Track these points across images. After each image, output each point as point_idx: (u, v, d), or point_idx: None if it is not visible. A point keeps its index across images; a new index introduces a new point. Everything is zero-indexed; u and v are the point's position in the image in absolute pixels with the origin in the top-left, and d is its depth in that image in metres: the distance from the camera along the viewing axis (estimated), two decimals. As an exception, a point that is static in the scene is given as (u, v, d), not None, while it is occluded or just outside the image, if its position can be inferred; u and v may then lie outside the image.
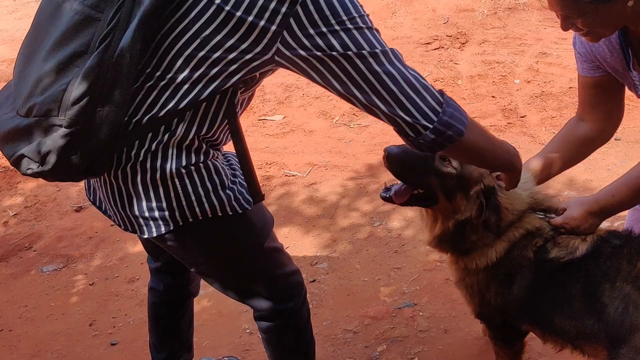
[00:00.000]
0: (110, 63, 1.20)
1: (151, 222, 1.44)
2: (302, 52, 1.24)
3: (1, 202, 3.68)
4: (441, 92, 1.33)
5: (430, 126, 1.28)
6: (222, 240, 1.54)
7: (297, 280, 1.75)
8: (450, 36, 5.15)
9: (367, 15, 1.28)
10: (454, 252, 1.87)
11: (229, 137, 1.48)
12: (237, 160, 1.53)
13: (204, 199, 1.43)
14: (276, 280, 1.69)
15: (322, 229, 3.21)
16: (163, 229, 1.45)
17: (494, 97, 4.31)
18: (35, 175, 1.31)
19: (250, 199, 1.51)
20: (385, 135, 3.96)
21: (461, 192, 1.73)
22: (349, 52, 1.23)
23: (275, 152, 3.97)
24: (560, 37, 4.97)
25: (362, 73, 1.24)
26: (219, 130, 1.42)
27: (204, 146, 1.41)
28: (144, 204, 1.42)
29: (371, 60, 1.24)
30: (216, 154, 1.46)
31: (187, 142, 1.36)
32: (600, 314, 1.62)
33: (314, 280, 2.82)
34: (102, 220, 3.39)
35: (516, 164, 1.55)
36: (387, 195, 1.82)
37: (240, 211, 1.48)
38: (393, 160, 1.74)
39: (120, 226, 1.53)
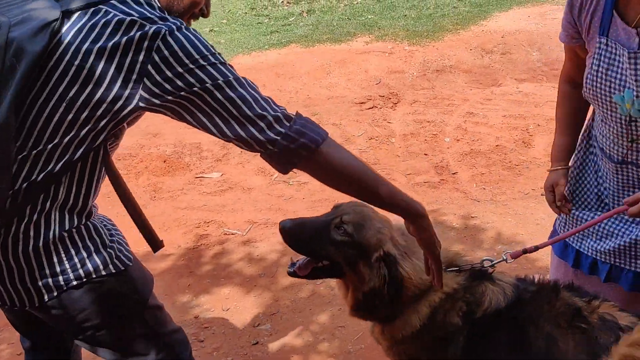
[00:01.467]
0: None
1: (33, 292, 1.42)
2: (165, 96, 1.32)
3: None
4: (296, 113, 1.42)
5: (283, 131, 1.35)
6: (107, 299, 1.52)
7: (181, 337, 1.74)
8: (383, 96, 5.34)
9: (218, 53, 1.36)
10: (375, 320, 1.78)
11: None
12: (109, 219, 1.59)
13: (86, 260, 1.43)
14: (162, 339, 1.67)
15: (263, 288, 3.16)
16: (46, 297, 1.43)
17: (426, 154, 4.47)
18: None
19: (130, 255, 1.54)
20: (324, 192, 4.00)
21: (363, 261, 1.64)
22: (206, 85, 1.31)
23: (214, 210, 3.92)
24: (485, 98, 5.27)
25: (220, 101, 1.32)
26: (98, 189, 1.47)
27: (86, 207, 1.44)
28: (26, 274, 1.40)
29: (226, 87, 1.32)
30: (94, 214, 1.50)
31: (70, 204, 1.39)
32: (527, 354, 1.62)
33: (256, 343, 2.75)
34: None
35: (415, 206, 1.48)
36: (292, 270, 1.72)
37: (122, 268, 1.50)
38: (287, 234, 1.67)
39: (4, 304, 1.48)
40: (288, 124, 1.35)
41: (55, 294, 1.43)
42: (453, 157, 4.41)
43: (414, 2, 7.47)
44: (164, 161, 4.53)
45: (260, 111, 1.34)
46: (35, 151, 1.31)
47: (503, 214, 3.62)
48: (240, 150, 4.60)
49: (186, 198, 4.11)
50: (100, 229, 1.49)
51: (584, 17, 1.68)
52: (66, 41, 1.30)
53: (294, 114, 1.40)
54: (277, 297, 3.08)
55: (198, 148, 4.68)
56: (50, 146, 1.32)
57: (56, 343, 1.81)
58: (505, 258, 1.77)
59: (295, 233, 1.67)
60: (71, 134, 1.32)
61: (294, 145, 1.35)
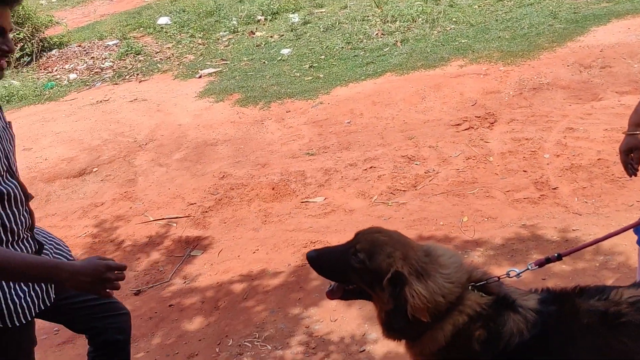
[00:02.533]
0: None
1: None
2: None
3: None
4: None
5: None
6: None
7: None
8: (479, 117, 5.43)
9: None
10: (405, 338, 1.82)
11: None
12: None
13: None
14: None
15: (366, 302, 3.35)
16: None
17: (525, 171, 4.50)
18: None
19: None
20: (422, 211, 4.16)
21: (378, 285, 1.72)
22: None
23: (319, 232, 4.19)
24: (585, 112, 5.21)
25: None
26: None
27: None
28: None
29: None
30: None
31: None
32: None
33: (363, 350, 2.94)
34: (160, 302, 3.62)
35: (51, 272, 1.62)
36: (327, 292, 1.89)
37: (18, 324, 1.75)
38: (313, 263, 1.83)
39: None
40: None
41: None
42: (553, 173, 4.41)
43: (507, 23, 7.50)
44: (273, 188, 4.88)
45: None
46: None
47: (605, 226, 3.59)
48: (341, 175, 4.88)
49: (293, 221, 4.42)
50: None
51: None
52: None
53: None
54: (381, 309, 3.26)
55: (302, 175, 5.00)
56: None
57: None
58: (529, 267, 1.83)
59: (321, 262, 1.83)
60: None
61: None
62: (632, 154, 2.21)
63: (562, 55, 6.16)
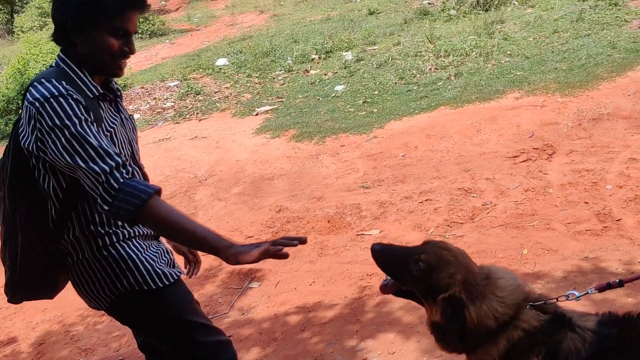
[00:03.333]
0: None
1: (96, 299, 1.91)
2: (49, 155, 1.70)
3: None
4: (128, 179, 1.66)
5: (109, 202, 1.64)
6: (148, 313, 1.94)
7: (224, 345, 2.08)
8: (537, 148, 5.35)
9: (83, 125, 1.67)
10: (457, 352, 1.86)
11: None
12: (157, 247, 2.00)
13: (122, 277, 1.87)
14: (201, 348, 2.00)
15: (422, 334, 3.32)
16: (104, 303, 1.91)
17: (586, 203, 4.38)
18: None
19: (176, 273, 1.97)
20: (481, 244, 4.10)
21: (431, 296, 1.78)
22: (59, 154, 1.67)
23: (374, 264, 4.17)
24: (649, 142, 5.05)
25: (78, 167, 1.67)
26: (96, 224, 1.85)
27: (99, 237, 1.85)
28: (89, 285, 1.89)
29: (84, 159, 1.67)
30: (118, 242, 1.88)
31: (85, 236, 1.84)
32: None
33: (421, 383, 2.90)
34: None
35: (215, 246, 1.68)
36: (380, 285, 1.98)
37: (158, 286, 1.90)
38: (375, 254, 1.94)
39: (90, 306, 2.00)
40: (110, 200, 1.64)
41: (108, 302, 1.90)
42: (616, 204, 4.28)
43: (564, 55, 7.41)
44: (328, 221, 4.93)
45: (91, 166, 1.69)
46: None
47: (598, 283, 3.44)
48: (396, 208, 4.89)
49: (349, 254, 4.44)
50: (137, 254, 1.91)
51: None
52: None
53: (119, 180, 1.66)
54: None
55: (357, 208, 5.03)
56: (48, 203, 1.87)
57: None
58: (590, 291, 1.81)
59: (382, 255, 1.93)
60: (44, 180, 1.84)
61: (118, 210, 1.65)
62: None
63: (622, 85, 6.02)
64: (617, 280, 1.79)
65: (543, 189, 4.72)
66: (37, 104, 1.64)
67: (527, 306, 1.75)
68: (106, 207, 1.64)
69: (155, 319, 1.95)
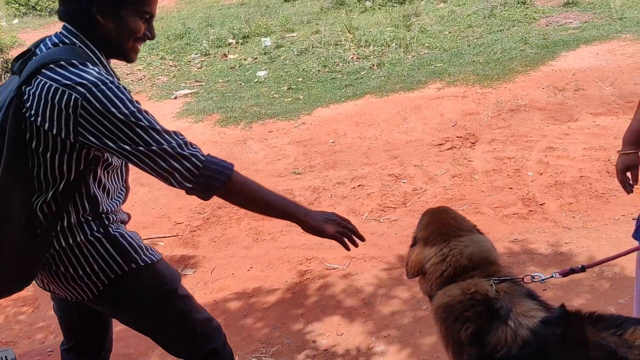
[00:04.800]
0: None
1: (84, 287, 1.76)
2: (97, 143, 1.57)
3: None
4: (208, 155, 1.68)
5: (191, 184, 1.64)
6: (141, 291, 1.84)
7: (214, 324, 2.02)
8: (461, 137, 5.55)
9: (140, 110, 1.58)
10: (424, 292, 1.95)
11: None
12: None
13: (117, 256, 1.76)
14: (196, 324, 1.94)
15: (368, 316, 3.35)
16: (94, 290, 1.77)
17: (511, 188, 4.61)
18: None
19: (156, 254, 1.88)
20: (415, 228, 4.19)
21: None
22: (127, 144, 1.57)
23: (313, 248, 4.18)
24: (562, 133, 5.39)
25: (137, 156, 1.58)
26: (102, 205, 1.76)
27: (97, 220, 1.75)
28: (74, 274, 1.74)
29: (150, 150, 1.58)
30: (111, 225, 1.79)
31: (82, 220, 1.72)
32: None
33: (372, 363, 2.93)
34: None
35: (295, 214, 1.84)
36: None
37: (150, 261, 1.83)
38: None
39: (67, 298, 1.83)
40: (198, 173, 1.63)
41: (100, 287, 1.77)
42: (538, 190, 4.53)
43: (479, 48, 7.74)
44: (261, 207, 4.85)
45: (177, 160, 1.63)
46: (41, 192, 1.70)
47: (597, 239, 3.70)
48: (330, 194, 4.90)
49: (286, 239, 4.39)
50: (125, 235, 1.81)
51: None
52: (26, 112, 1.58)
53: (203, 156, 1.66)
54: (385, 322, 3.26)
55: (291, 194, 4.99)
56: (51, 187, 1.68)
57: (91, 344, 2.14)
58: (554, 275, 1.84)
59: None
60: (58, 177, 1.67)
61: (204, 187, 1.66)
62: (629, 173, 2.27)
63: (536, 78, 6.39)
64: (580, 266, 1.85)
65: (469, 175, 4.91)
66: (82, 89, 1.51)
67: (487, 277, 1.76)
68: (189, 185, 1.63)
69: (151, 295, 1.85)
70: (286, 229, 4.50)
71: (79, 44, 1.64)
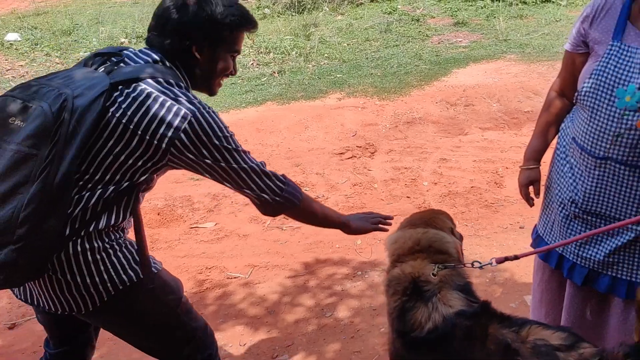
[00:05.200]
0: (52, 186, 1.54)
1: (87, 297, 1.73)
2: (185, 160, 1.70)
3: None
4: (283, 176, 1.90)
5: (278, 199, 1.85)
6: (148, 303, 1.84)
7: (209, 331, 2.08)
8: (360, 147, 5.67)
9: (232, 135, 1.77)
10: None
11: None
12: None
13: (127, 268, 1.77)
14: (196, 332, 1.99)
15: (272, 325, 3.31)
16: (97, 301, 1.74)
17: (408, 197, 4.76)
18: None
19: (158, 264, 1.90)
20: (317, 235, 4.21)
21: None
22: (222, 164, 1.73)
23: (213, 257, 4.06)
24: (454, 145, 5.66)
25: (229, 173, 1.76)
26: (126, 220, 1.79)
27: (116, 231, 1.78)
28: (80, 283, 1.71)
29: (237, 169, 1.76)
30: (124, 237, 1.83)
31: (105, 230, 1.72)
32: None
33: (277, 373, 2.88)
34: (41, 335, 3.25)
35: (345, 227, 2.12)
36: None
37: (156, 271, 1.85)
38: None
39: (58, 311, 1.77)
40: (280, 193, 1.85)
41: (104, 297, 1.74)
42: (433, 199, 4.71)
43: (377, 62, 7.97)
44: (158, 214, 4.65)
45: (264, 180, 1.84)
46: (86, 191, 1.67)
47: (488, 246, 3.91)
48: (231, 200, 4.79)
49: (184, 247, 4.24)
50: (129, 246, 1.82)
51: (595, 26, 2.01)
52: (112, 109, 1.65)
53: (283, 178, 1.89)
54: (289, 331, 3.23)
55: (189, 200, 4.83)
56: (99, 187, 1.68)
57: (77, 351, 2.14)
58: (491, 262, 2.04)
59: None
60: (115, 178, 1.69)
61: (284, 206, 1.87)
62: (531, 187, 2.42)
63: (430, 93, 6.67)
64: (513, 255, 2.03)
65: (369, 184, 5.01)
66: (190, 117, 1.65)
67: (434, 263, 1.94)
68: (279, 199, 1.83)
69: (158, 305, 1.86)
70: (184, 237, 4.34)
71: (176, 70, 1.77)
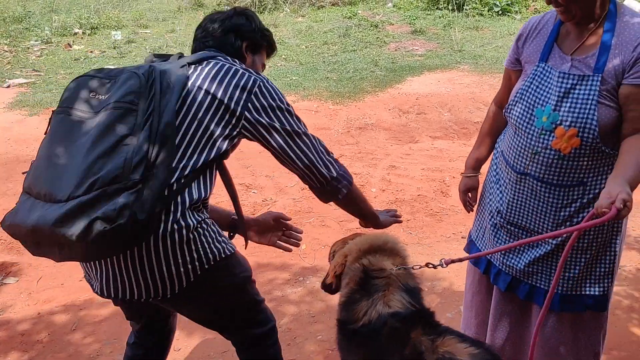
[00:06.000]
0: (157, 135, 1.60)
1: (174, 279, 1.75)
2: (256, 125, 1.80)
3: None
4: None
5: (335, 175, 1.92)
6: (227, 280, 1.90)
7: (265, 303, 2.16)
8: (311, 150, 5.65)
9: (290, 106, 1.88)
10: None
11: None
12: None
13: (213, 246, 1.80)
14: (261, 306, 2.09)
15: (206, 331, 3.25)
16: (184, 282, 1.76)
17: (356, 203, 4.77)
18: (100, 236, 1.51)
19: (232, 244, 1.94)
20: (262, 239, 4.17)
21: None
22: (287, 128, 1.83)
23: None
24: (404, 153, 5.72)
25: (295, 140, 1.84)
26: (210, 194, 1.82)
27: (205, 207, 1.83)
28: (165, 265, 1.72)
29: (301, 134, 1.85)
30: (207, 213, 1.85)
31: (197, 204, 1.75)
32: None
33: (210, 379, 2.83)
34: None
35: (377, 219, 2.23)
36: None
37: (233, 252, 1.89)
38: None
39: (134, 297, 1.77)
40: (335, 171, 1.92)
41: (191, 279, 1.76)
42: (381, 206, 4.74)
43: (334, 66, 7.98)
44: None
45: (323, 157, 1.91)
46: (180, 152, 1.71)
47: (430, 255, 3.95)
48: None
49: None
50: (211, 224, 1.84)
51: (527, 45, 2.08)
52: (191, 81, 1.76)
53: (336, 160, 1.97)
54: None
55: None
56: (190, 157, 1.72)
57: (157, 338, 2.21)
58: (441, 263, 2.07)
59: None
60: (209, 143, 1.74)
61: (340, 185, 1.94)
62: (469, 193, 2.50)
63: (383, 99, 6.72)
64: (459, 258, 2.06)
65: (318, 189, 5.01)
66: (258, 77, 1.80)
67: (391, 264, 2.00)
68: (335, 174, 1.91)
69: (235, 282, 1.92)
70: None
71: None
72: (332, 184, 1.91)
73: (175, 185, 1.68)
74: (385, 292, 1.91)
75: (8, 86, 7.21)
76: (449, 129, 6.20)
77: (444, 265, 2.07)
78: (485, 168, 2.44)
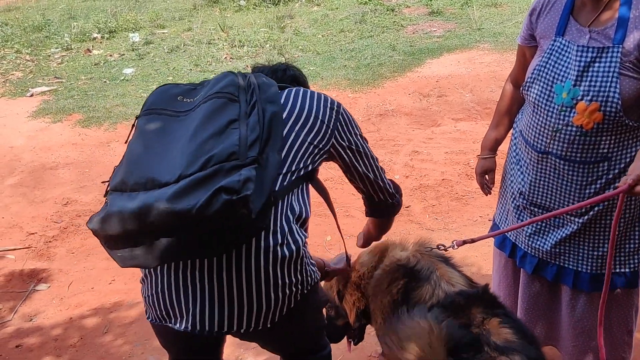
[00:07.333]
0: (264, 123, 1.56)
1: (279, 303, 1.63)
2: (342, 143, 1.82)
3: None
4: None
5: (397, 196, 2.04)
6: (317, 304, 1.86)
7: None
8: (332, 140, 5.61)
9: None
10: None
11: None
12: None
13: (310, 267, 1.73)
14: (324, 328, 2.06)
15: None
16: (285, 308, 1.65)
17: (379, 191, 4.72)
18: (229, 205, 1.39)
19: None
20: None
21: None
22: (365, 151, 1.89)
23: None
24: (427, 137, 5.63)
25: (369, 159, 1.92)
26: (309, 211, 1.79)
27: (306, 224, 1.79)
28: (273, 286, 1.61)
29: (372, 158, 1.93)
30: None
31: (302, 219, 1.71)
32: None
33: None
34: (2, 344, 3.18)
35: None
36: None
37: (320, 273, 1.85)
38: None
39: (233, 328, 1.62)
40: (397, 193, 2.05)
41: (292, 304, 1.66)
42: (405, 192, 4.63)
43: (351, 53, 7.90)
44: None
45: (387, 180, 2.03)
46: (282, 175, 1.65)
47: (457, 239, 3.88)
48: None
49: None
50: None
51: (541, 20, 2.02)
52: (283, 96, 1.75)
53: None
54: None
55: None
56: (291, 170, 1.66)
57: None
58: (453, 245, 2.17)
59: None
60: (307, 154, 1.71)
61: (399, 204, 2.07)
62: (486, 176, 2.44)
63: (403, 84, 6.63)
64: (470, 239, 2.17)
65: (340, 179, 4.95)
66: (337, 102, 1.84)
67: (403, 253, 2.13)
68: (390, 200, 2.01)
69: (320, 306, 1.91)
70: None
71: None
72: (398, 202, 2.05)
73: (279, 182, 1.62)
74: (439, 271, 2.01)
75: (31, 95, 7.31)
76: (471, 110, 6.09)
77: (455, 247, 2.15)
78: (503, 149, 2.38)
